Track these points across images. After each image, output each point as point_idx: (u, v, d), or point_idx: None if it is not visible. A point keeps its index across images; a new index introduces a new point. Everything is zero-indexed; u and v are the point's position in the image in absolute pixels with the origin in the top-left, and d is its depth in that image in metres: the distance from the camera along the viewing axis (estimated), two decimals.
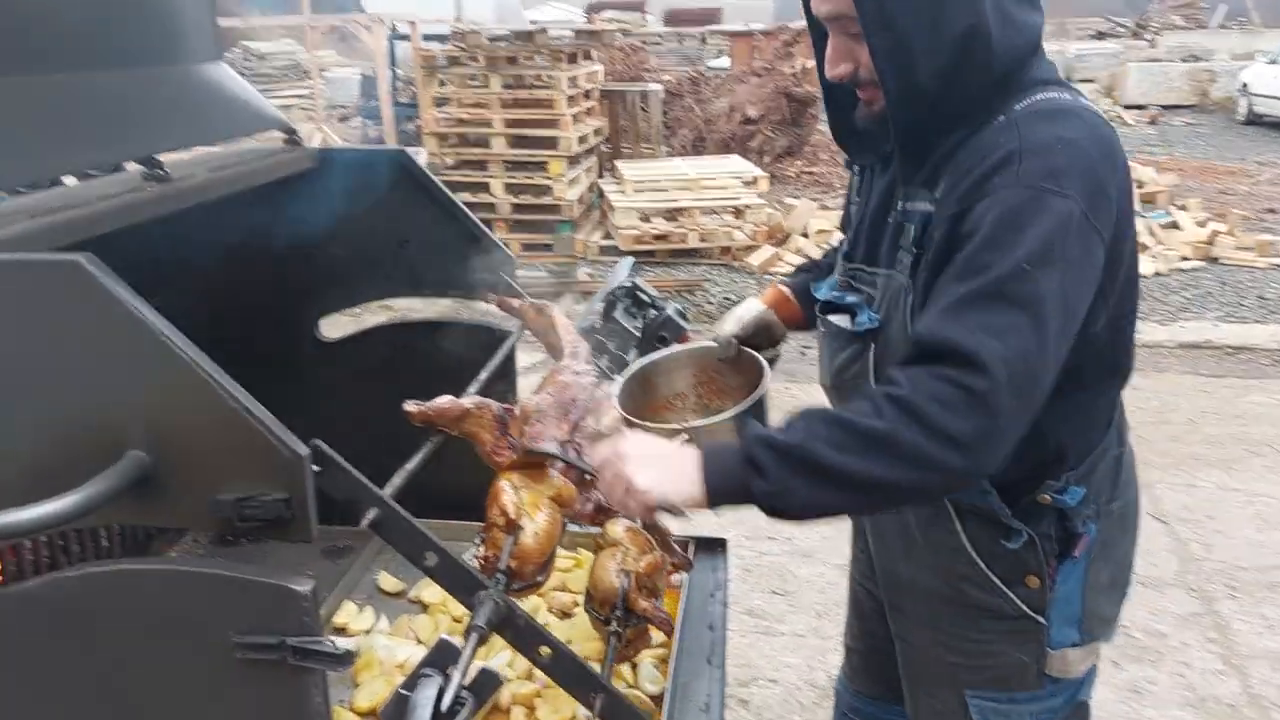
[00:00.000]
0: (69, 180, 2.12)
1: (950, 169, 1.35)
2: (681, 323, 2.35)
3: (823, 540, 3.93)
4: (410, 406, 1.49)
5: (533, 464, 1.61)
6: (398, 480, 1.44)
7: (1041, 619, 1.51)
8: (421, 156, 9.08)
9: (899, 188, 1.47)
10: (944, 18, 1.30)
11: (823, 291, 1.62)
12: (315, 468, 1.28)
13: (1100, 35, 31.73)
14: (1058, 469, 1.46)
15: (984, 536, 1.49)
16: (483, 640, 1.36)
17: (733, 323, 1.81)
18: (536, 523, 1.53)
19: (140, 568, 1.36)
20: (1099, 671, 1.65)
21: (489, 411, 1.64)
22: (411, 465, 1.52)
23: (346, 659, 1.33)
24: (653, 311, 2.34)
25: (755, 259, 8.26)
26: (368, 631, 2.18)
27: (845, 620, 2.07)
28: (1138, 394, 5.71)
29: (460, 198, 9.25)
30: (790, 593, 3.78)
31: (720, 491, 1.27)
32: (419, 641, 2.09)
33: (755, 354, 1.74)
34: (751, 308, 1.85)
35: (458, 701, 1.25)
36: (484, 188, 8.83)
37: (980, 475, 1.24)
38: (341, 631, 2.19)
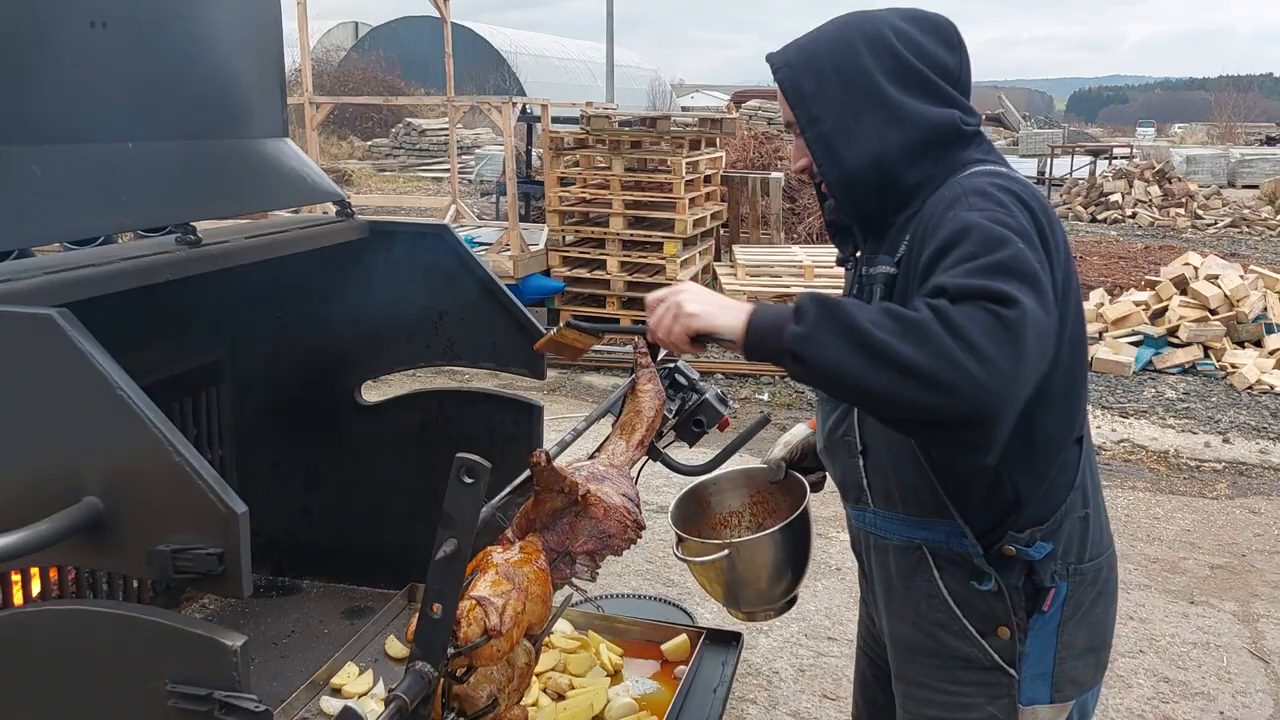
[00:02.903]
0: (127, 238, 2.29)
1: (908, 233, 1.50)
2: (720, 408, 2.33)
3: None
4: (539, 457, 1.56)
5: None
6: (484, 511, 1.47)
7: (1013, 671, 1.57)
8: (542, 233, 9.34)
9: (863, 261, 1.61)
10: (858, 114, 1.51)
11: None
12: (467, 479, 1.30)
13: (1269, 140, 30.37)
14: (1015, 518, 1.54)
15: (958, 582, 1.57)
16: (400, 712, 1.37)
17: (780, 447, 1.94)
18: (509, 637, 1.52)
19: (90, 609, 1.42)
20: None
21: (571, 496, 1.65)
22: (496, 501, 1.57)
23: (266, 718, 1.36)
24: (692, 395, 2.34)
25: None
26: (363, 694, 2.21)
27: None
28: (1258, 519, 5.32)
29: (576, 273, 9.31)
30: (842, 698, 3.62)
31: (758, 329, 1.36)
32: None
33: (800, 477, 1.89)
34: (799, 433, 1.95)
35: None
36: (600, 264, 9.01)
37: (988, 407, 1.25)
38: (338, 692, 2.22)
